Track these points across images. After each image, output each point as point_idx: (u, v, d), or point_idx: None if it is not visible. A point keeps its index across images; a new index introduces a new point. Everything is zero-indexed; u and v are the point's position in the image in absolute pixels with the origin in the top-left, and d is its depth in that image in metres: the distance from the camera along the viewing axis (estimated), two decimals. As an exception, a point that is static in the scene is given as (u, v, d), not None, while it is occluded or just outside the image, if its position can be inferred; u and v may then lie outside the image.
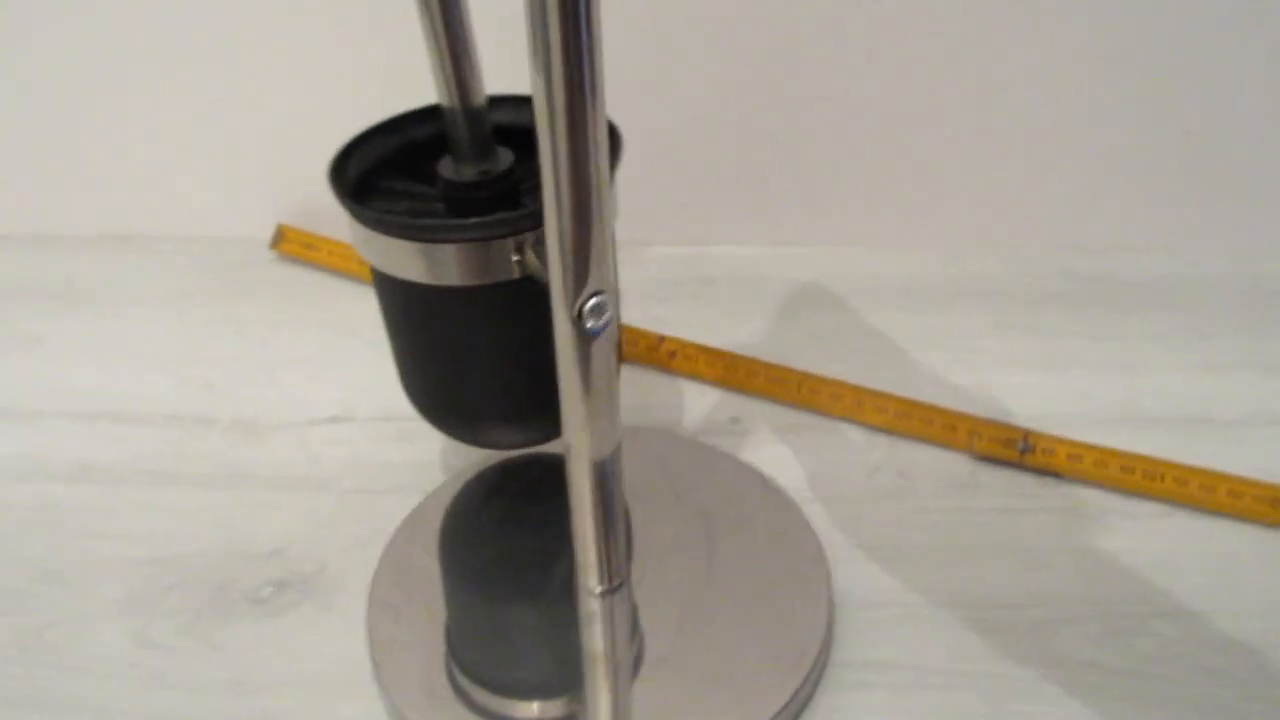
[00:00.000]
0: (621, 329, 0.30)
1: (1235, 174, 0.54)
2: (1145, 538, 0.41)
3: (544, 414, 0.33)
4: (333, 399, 0.48)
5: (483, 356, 0.34)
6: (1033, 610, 0.38)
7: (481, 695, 0.34)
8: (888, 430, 0.46)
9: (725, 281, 0.56)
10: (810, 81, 0.53)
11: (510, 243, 0.30)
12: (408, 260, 0.31)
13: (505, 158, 0.33)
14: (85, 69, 0.55)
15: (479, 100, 0.32)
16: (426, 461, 0.43)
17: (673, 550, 0.39)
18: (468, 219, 0.30)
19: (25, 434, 0.46)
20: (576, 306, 0.28)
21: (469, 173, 0.33)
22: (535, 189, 0.33)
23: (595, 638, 0.36)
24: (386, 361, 0.51)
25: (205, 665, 0.36)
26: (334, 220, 0.58)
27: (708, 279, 0.56)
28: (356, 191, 0.33)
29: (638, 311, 0.52)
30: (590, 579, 0.36)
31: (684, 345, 0.49)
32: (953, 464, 0.44)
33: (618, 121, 0.32)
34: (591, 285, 0.28)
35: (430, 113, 0.35)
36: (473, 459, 0.43)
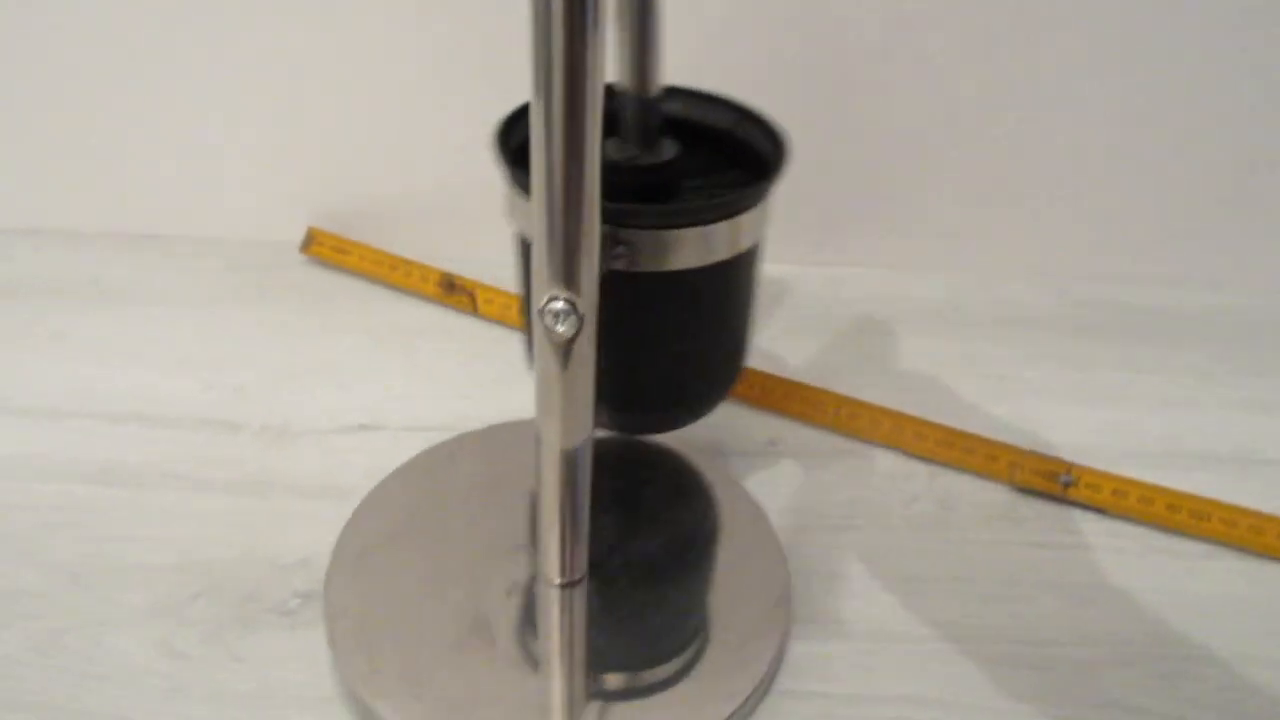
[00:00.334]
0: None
1: (1284, 208, 0.53)
2: (1191, 579, 0.40)
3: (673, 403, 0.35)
4: (361, 407, 0.48)
5: (631, 342, 0.34)
6: (1075, 649, 0.37)
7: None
8: (927, 458, 0.45)
9: (763, 302, 0.55)
10: (852, 104, 0.52)
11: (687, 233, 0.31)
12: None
13: (669, 148, 0.34)
14: (118, 68, 0.55)
15: (655, 89, 0.33)
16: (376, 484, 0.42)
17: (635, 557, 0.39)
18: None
19: (50, 433, 0.46)
20: (541, 305, 0.29)
21: (634, 157, 0.33)
22: (698, 184, 0.34)
23: (552, 630, 0.36)
24: (416, 370, 0.50)
25: (229, 676, 0.36)
26: (365, 224, 0.58)
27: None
28: (516, 161, 0.33)
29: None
30: (551, 570, 0.36)
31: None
32: (993, 495, 0.44)
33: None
34: (551, 289, 0.29)
35: None
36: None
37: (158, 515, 0.42)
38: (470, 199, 0.58)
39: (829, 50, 0.50)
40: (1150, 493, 0.42)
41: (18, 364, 0.50)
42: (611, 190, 0.32)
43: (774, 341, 0.52)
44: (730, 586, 0.38)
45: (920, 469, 0.45)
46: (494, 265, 0.55)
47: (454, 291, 0.54)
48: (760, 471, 0.44)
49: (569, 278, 0.29)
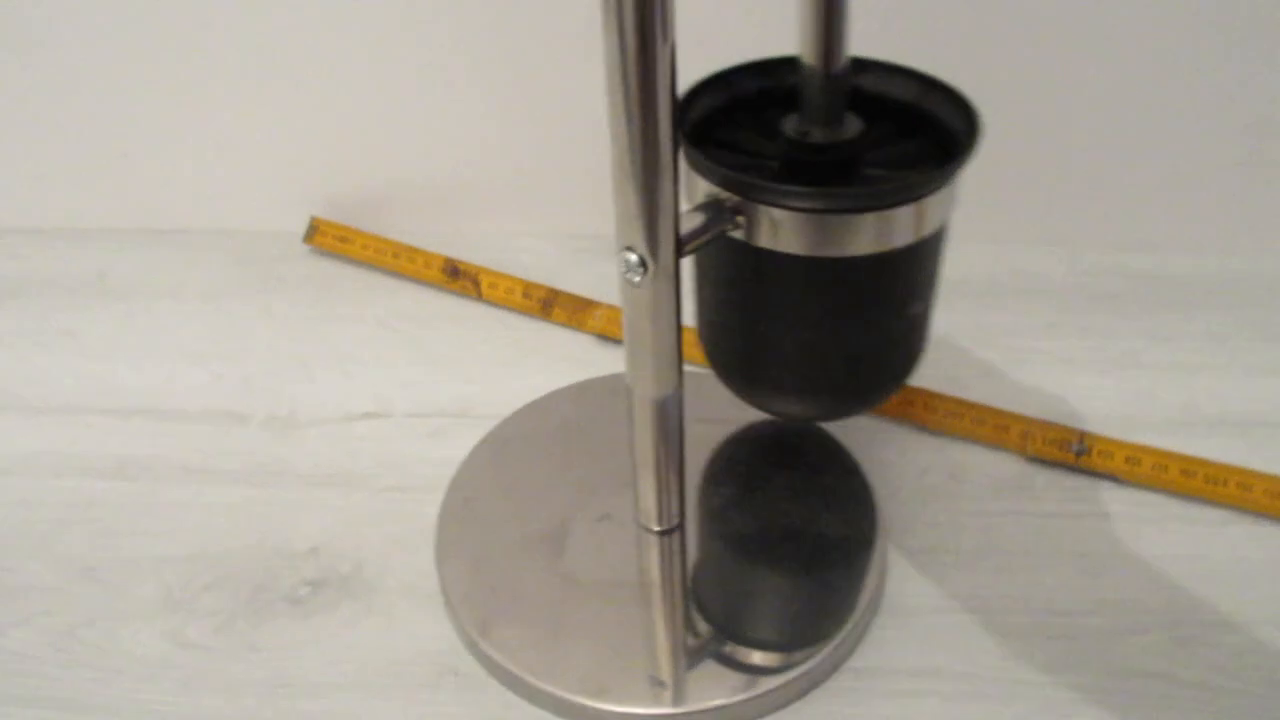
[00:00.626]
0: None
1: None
2: (1208, 545, 0.40)
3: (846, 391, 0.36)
4: (368, 394, 0.47)
5: (804, 324, 0.34)
6: (1092, 618, 0.37)
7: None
8: (937, 430, 0.45)
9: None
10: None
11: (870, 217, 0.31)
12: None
13: (853, 124, 0.33)
14: (119, 64, 0.54)
15: (842, 64, 0.32)
16: (461, 458, 0.42)
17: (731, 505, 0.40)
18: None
19: (60, 430, 0.46)
20: (619, 251, 0.31)
21: (816, 135, 0.32)
22: (879, 159, 0.33)
23: (653, 574, 0.37)
24: (422, 356, 0.50)
25: (243, 666, 0.36)
26: (367, 213, 0.58)
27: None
28: (691, 140, 0.33)
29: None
30: (649, 518, 0.38)
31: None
32: (1005, 465, 0.43)
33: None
34: (625, 240, 0.30)
35: (759, 68, 0.35)
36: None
37: (168, 508, 0.42)
38: (472, 184, 0.57)
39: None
40: (1164, 459, 0.42)
41: (27, 362, 0.50)
42: (793, 168, 0.33)
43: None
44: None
45: (930, 441, 0.44)
46: (497, 250, 0.55)
47: (458, 277, 0.53)
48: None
49: (640, 232, 0.30)
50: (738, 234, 0.32)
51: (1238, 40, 0.49)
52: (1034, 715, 0.34)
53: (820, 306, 0.33)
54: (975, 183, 0.54)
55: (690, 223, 0.31)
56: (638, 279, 0.31)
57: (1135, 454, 0.42)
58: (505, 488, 0.41)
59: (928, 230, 0.32)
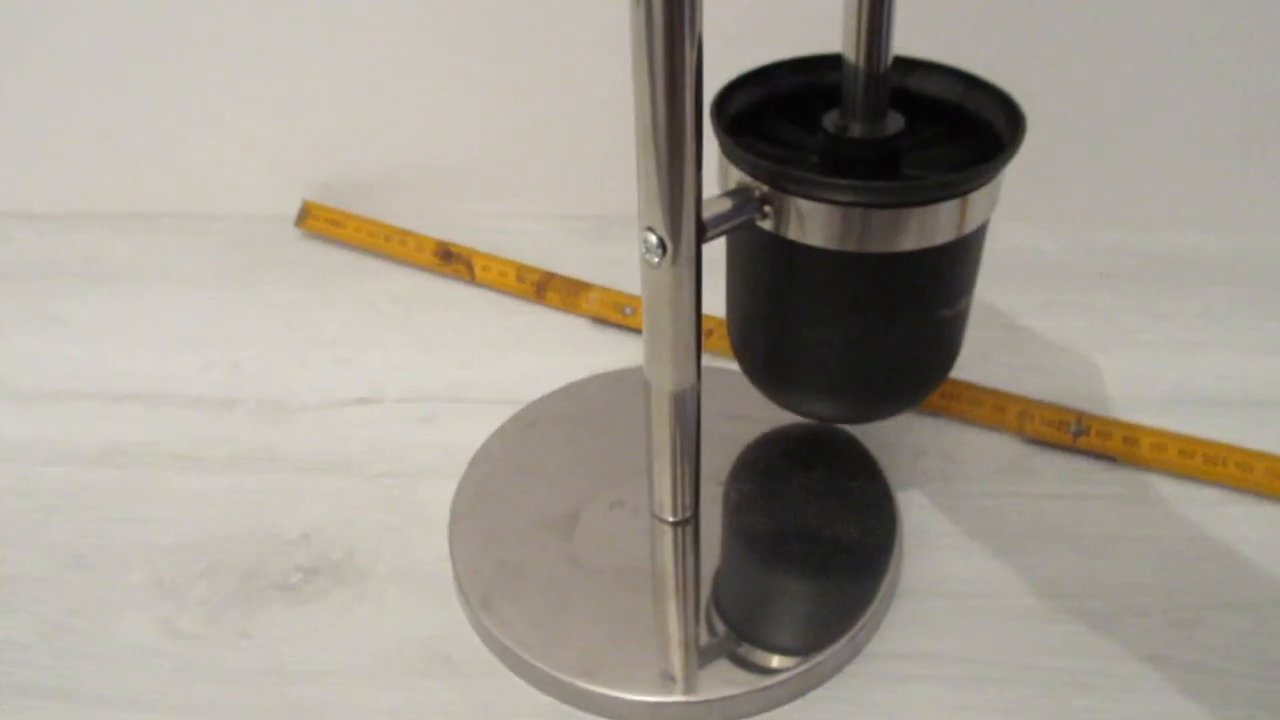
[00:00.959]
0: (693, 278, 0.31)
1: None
2: (1207, 525, 0.39)
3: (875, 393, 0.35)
4: (360, 379, 0.47)
5: (835, 322, 0.34)
6: (1091, 600, 0.36)
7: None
8: (933, 411, 0.44)
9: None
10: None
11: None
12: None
13: (895, 121, 0.33)
14: (109, 48, 0.54)
15: (885, 62, 0.32)
16: (456, 444, 0.42)
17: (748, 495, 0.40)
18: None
19: (50, 416, 0.45)
20: (641, 229, 0.30)
21: (856, 129, 0.32)
22: (919, 158, 0.33)
23: (666, 565, 0.37)
24: (414, 340, 0.50)
25: (235, 654, 0.35)
26: (360, 196, 0.57)
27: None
28: (729, 131, 0.33)
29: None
30: (662, 508, 0.37)
31: (718, 323, 0.48)
32: (1002, 447, 0.43)
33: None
34: (647, 220, 0.30)
35: (800, 64, 0.36)
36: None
37: (158, 495, 0.42)
38: (465, 167, 0.57)
39: None
40: (1162, 439, 0.41)
41: (16, 347, 0.50)
42: (832, 162, 0.32)
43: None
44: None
45: (926, 423, 0.44)
46: (490, 233, 0.55)
47: (451, 260, 0.53)
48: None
49: (661, 212, 0.30)
50: (766, 224, 0.32)
51: (1238, 14, 0.48)
52: (1032, 699, 0.33)
53: (845, 303, 0.33)
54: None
55: (716, 208, 0.31)
56: (656, 260, 0.30)
57: (1133, 434, 0.42)
58: (523, 469, 0.41)
59: (944, 234, 0.31)
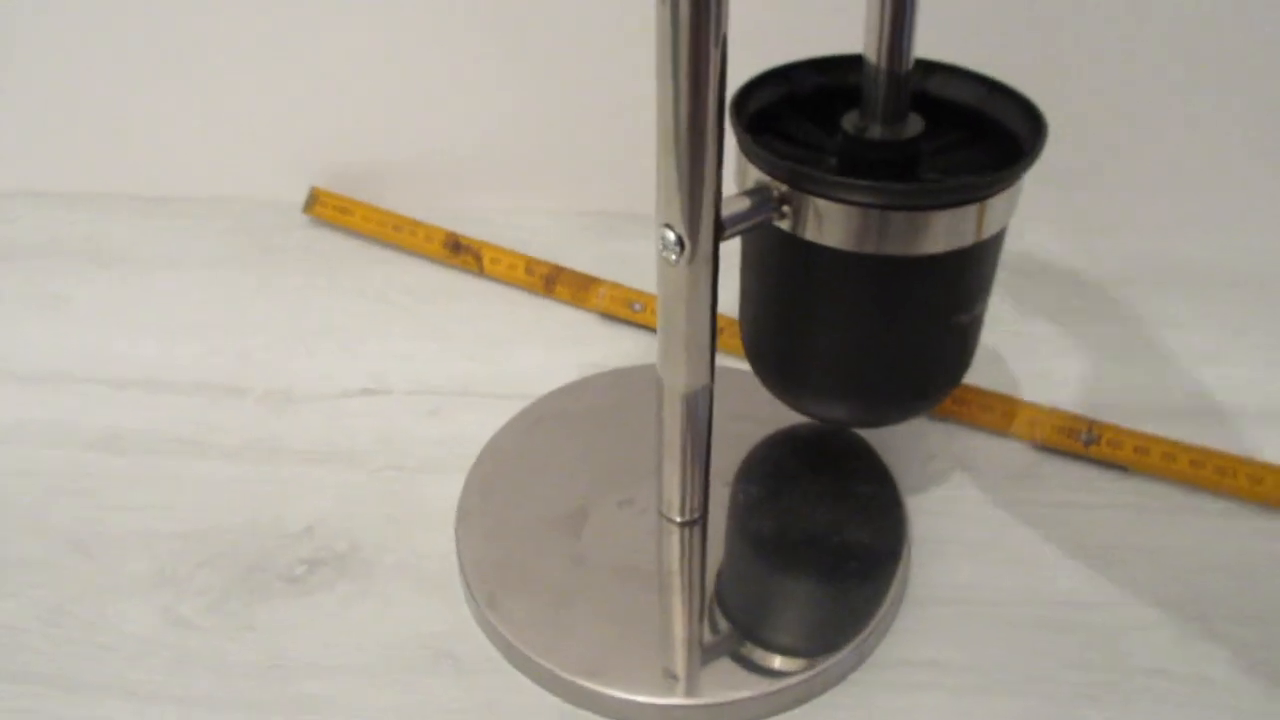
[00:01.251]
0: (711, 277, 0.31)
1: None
2: (1217, 537, 0.39)
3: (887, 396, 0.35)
4: (366, 370, 0.47)
5: (853, 326, 0.33)
6: (1099, 612, 0.36)
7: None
8: (943, 417, 0.44)
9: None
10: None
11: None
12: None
13: (915, 124, 0.32)
14: (119, 28, 0.53)
15: (907, 65, 0.31)
16: (462, 438, 0.42)
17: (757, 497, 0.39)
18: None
19: (54, 399, 0.45)
20: (658, 231, 0.30)
21: (875, 131, 0.32)
22: (939, 162, 0.33)
23: (673, 565, 0.37)
24: (421, 332, 0.50)
25: (236, 646, 0.35)
26: (369, 184, 0.57)
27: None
28: (748, 129, 0.33)
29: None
30: (671, 508, 0.37)
31: (730, 322, 0.47)
32: (1012, 454, 0.43)
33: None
34: (665, 217, 0.30)
35: (820, 64, 0.35)
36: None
37: (161, 482, 0.41)
38: (477, 158, 0.56)
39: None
40: (1173, 449, 0.41)
41: (18, 329, 0.49)
42: (850, 163, 0.32)
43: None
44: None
45: (936, 428, 0.44)
46: (500, 226, 0.54)
47: (459, 252, 0.52)
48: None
49: (680, 210, 0.29)
50: (784, 224, 0.31)
51: (1261, 22, 0.48)
52: (1040, 710, 0.33)
53: (861, 305, 0.33)
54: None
55: (734, 206, 0.31)
56: (674, 257, 0.30)
57: (1144, 443, 0.41)
58: (530, 465, 0.40)
59: (962, 239, 0.31)
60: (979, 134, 0.34)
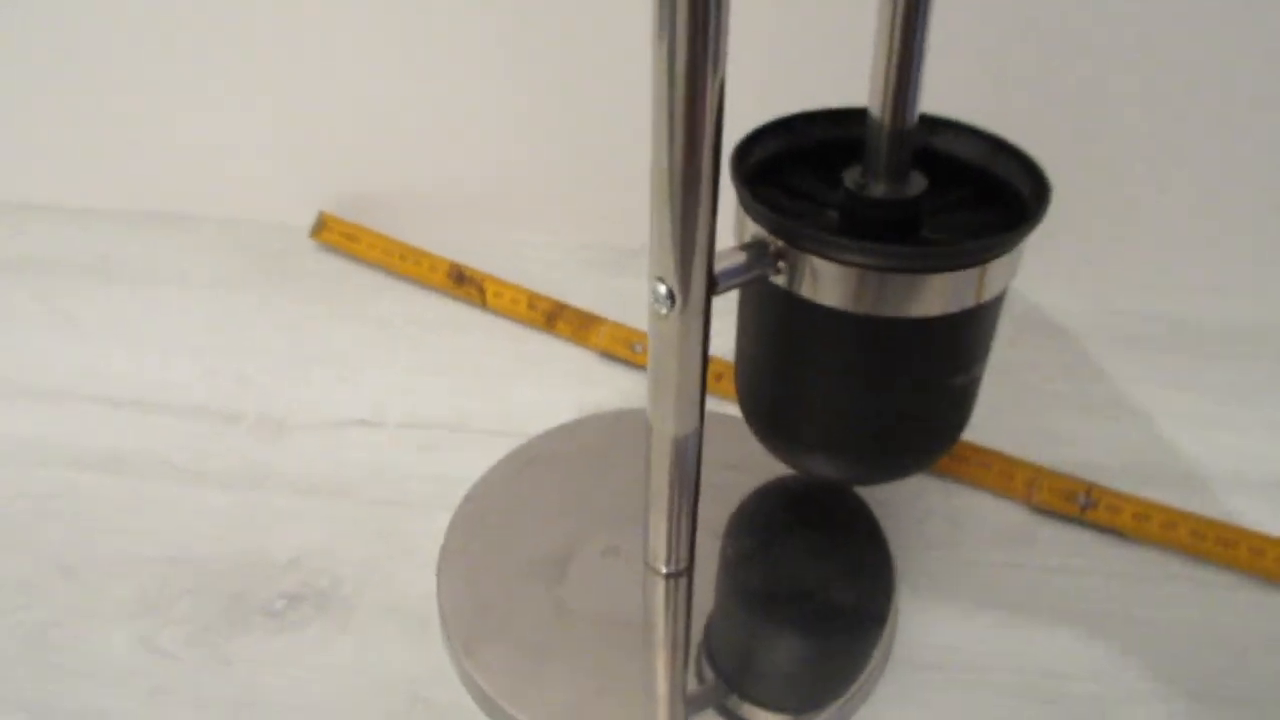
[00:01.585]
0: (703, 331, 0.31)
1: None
2: (1215, 610, 0.38)
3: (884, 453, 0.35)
4: (363, 401, 0.47)
5: (846, 384, 0.33)
6: (1090, 683, 0.35)
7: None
8: (939, 473, 0.43)
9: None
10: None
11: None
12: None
13: (918, 182, 0.32)
14: (133, 45, 0.54)
15: (911, 121, 0.31)
16: (453, 475, 0.41)
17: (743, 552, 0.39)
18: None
19: (50, 416, 0.45)
20: (651, 278, 0.30)
21: (877, 189, 0.32)
22: (941, 221, 0.33)
23: (657, 618, 0.36)
24: (420, 365, 0.49)
25: (212, 679, 0.35)
26: (377, 212, 0.57)
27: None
28: (749, 182, 0.32)
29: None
30: (656, 558, 0.37)
31: (728, 367, 0.47)
32: (1008, 515, 0.42)
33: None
34: (659, 270, 0.30)
35: (824, 117, 0.35)
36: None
37: (151, 507, 0.41)
38: (483, 191, 0.56)
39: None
40: (1174, 517, 0.40)
41: (23, 342, 0.50)
42: (851, 220, 0.32)
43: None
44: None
45: (933, 485, 0.43)
46: (505, 258, 0.54)
47: (463, 283, 0.52)
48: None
49: (673, 264, 0.29)
50: (780, 280, 0.31)
51: (1272, 79, 0.47)
52: (1022, 783, 0.33)
53: (856, 365, 0.32)
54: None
55: (729, 261, 0.30)
56: (665, 310, 0.30)
57: (1144, 510, 0.40)
58: (518, 507, 0.40)
59: (961, 302, 0.31)
60: (983, 192, 0.34)
